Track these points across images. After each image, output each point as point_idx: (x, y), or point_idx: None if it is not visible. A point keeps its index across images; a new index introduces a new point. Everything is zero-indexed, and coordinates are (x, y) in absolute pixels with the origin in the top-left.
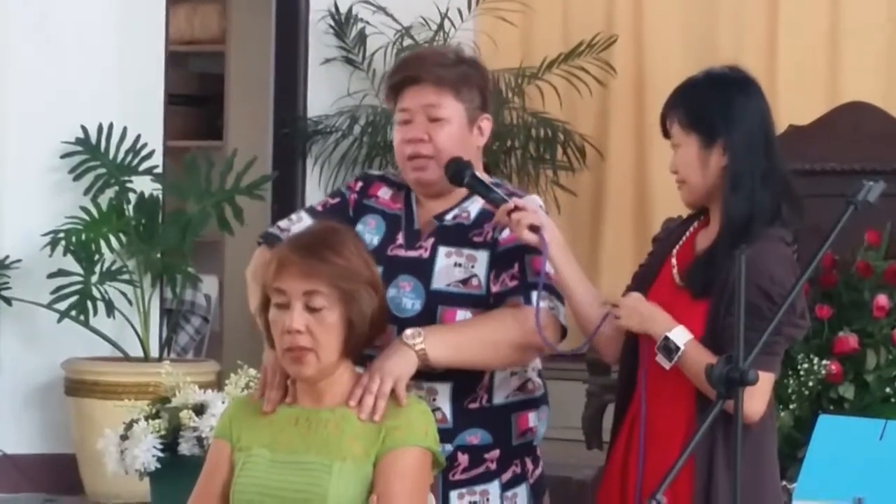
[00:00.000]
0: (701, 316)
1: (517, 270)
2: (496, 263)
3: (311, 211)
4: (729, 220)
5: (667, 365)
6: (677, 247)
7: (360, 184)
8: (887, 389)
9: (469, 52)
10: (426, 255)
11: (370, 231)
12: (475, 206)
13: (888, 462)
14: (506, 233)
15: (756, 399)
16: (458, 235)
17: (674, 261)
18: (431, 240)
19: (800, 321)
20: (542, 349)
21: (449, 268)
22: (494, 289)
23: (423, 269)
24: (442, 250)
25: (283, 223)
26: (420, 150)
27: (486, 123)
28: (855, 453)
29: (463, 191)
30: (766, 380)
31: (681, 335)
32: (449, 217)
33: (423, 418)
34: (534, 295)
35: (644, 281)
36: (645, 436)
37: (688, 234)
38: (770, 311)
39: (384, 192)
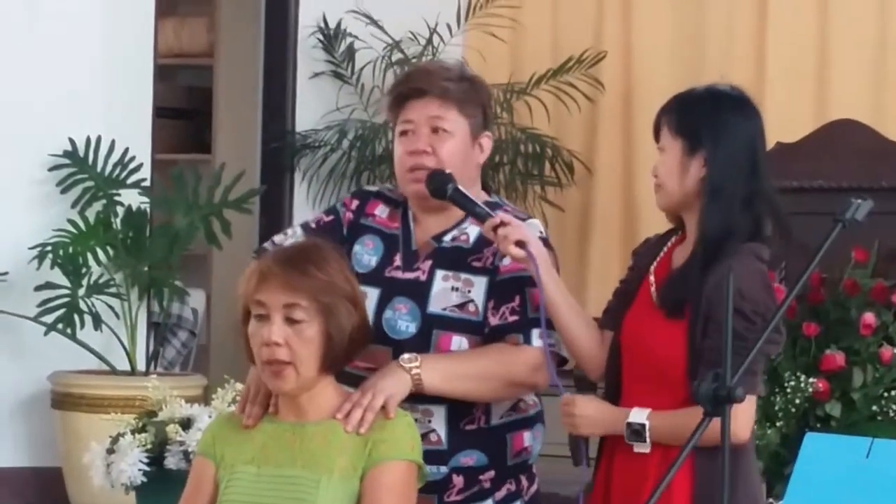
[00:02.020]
0: (679, 336)
1: (518, 304)
2: (495, 292)
3: (306, 227)
4: (704, 233)
5: (646, 448)
6: (655, 263)
7: (356, 202)
8: (874, 407)
9: (470, 71)
10: (423, 277)
11: (368, 252)
12: (474, 228)
13: (875, 480)
14: (507, 260)
15: (741, 420)
16: (456, 259)
17: (651, 278)
18: (429, 262)
19: (776, 335)
20: (534, 388)
21: (446, 291)
22: (493, 321)
23: (419, 292)
24: (439, 273)
25: (277, 238)
26: (423, 162)
27: (487, 141)
28: (841, 471)
29: (461, 211)
30: (749, 401)
31: (638, 415)
32: (447, 238)
33: (408, 431)
34: (534, 334)
35: (624, 298)
36: (625, 454)
37: (665, 249)
38: (747, 329)
39: (381, 211)
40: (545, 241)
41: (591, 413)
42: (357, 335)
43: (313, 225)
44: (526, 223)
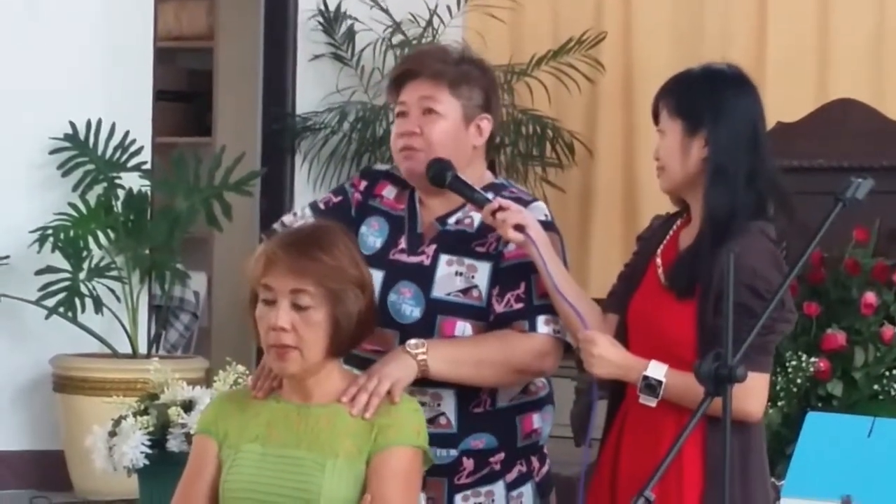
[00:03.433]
0: (689, 316)
1: (523, 291)
2: (500, 278)
3: (315, 208)
4: (709, 213)
5: (653, 402)
6: (661, 246)
7: (364, 182)
8: (875, 387)
9: (475, 54)
10: (427, 262)
11: (374, 233)
12: (478, 213)
13: (876, 459)
14: (511, 246)
15: (754, 398)
16: (460, 244)
17: (658, 260)
18: (433, 246)
19: (789, 315)
20: (540, 374)
21: (450, 276)
22: (499, 308)
23: (423, 277)
24: (443, 258)
25: (287, 218)
26: (412, 143)
27: (486, 123)
28: (843, 451)
29: None
30: (763, 380)
31: (657, 370)
32: (451, 221)
33: (414, 416)
34: (539, 320)
35: (630, 281)
36: (634, 432)
37: (671, 232)
38: (761, 308)
39: (389, 192)
40: (551, 225)
41: (611, 356)
42: (364, 320)
43: (322, 206)
44: (531, 206)
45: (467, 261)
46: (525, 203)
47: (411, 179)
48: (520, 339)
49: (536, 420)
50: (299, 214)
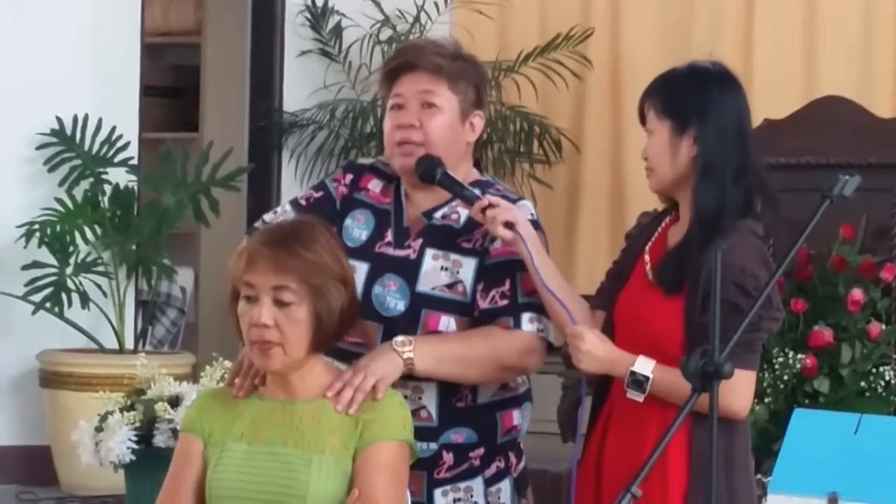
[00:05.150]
0: (676, 313)
1: (508, 289)
2: (485, 275)
3: (296, 204)
4: (698, 211)
5: (640, 398)
6: (650, 243)
7: (349, 176)
8: (862, 383)
9: (466, 50)
10: (413, 256)
11: (359, 226)
12: (465, 208)
13: (863, 456)
14: (497, 243)
15: (740, 396)
16: (446, 239)
17: (646, 257)
18: (420, 241)
19: (776, 313)
20: (524, 372)
21: (435, 271)
22: (483, 304)
23: (409, 270)
24: (429, 252)
25: (268, 216)
26: (410, 136)
27: (479, 120)
28: (830, 447)
29: None
30: (749, 377)
31: (644, 365)
32: (438, 215)
33: (399, 410)
34: (524, 318)
35: (618, 279)
36: (618, 429)
37: (660, 229)
38: (749, 305)
39: (374, 185)
40: (536, 224)
41: (598, 351)
42: (347, 314)
43: (303, 202)
44: (517, 205)
45: (453, 256)
46: (511, 201)
47: (405, 175)
48: (505, 337)
49: (516, 416)
50: (280, 212)
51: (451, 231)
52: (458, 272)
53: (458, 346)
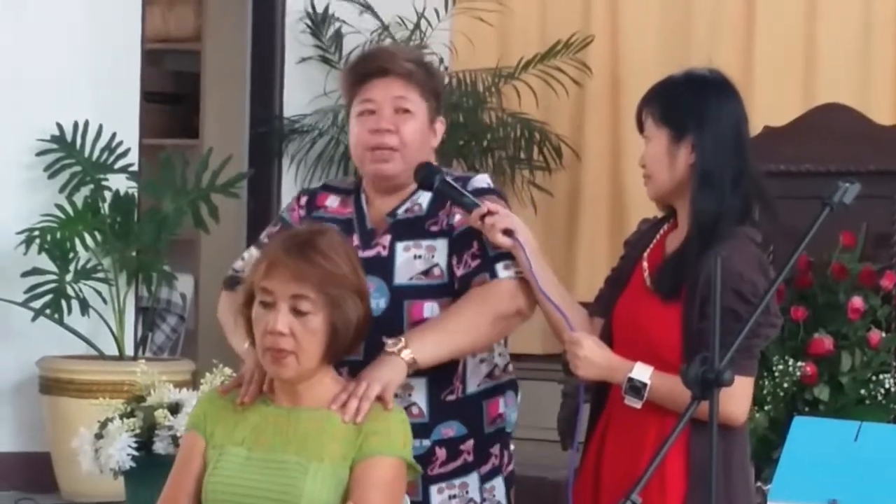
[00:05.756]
0: (674, 319)
1: (477, 249)
2: (455, 247)
3: (260, 245)
4: (696, 218)
5: (638, 404)
6: (648, 249)
7: (304, 198)
8: (862, 391)
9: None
10: (385, 252)
11: None
12: (425, 197)
13: (863, 464)
14: (457, 217)
15: (737, 402)
16: (413, 228)
17: (645, 264)
18: (388, 237)
19: (775, 319)
20: (520, 314)
21: (409, 261)
22: (460, 272)
23: (383, 267)
24: (400, 245)
25: (237, 265)
26: (386, 142)
27: (441, 126)
28: (830, 455)
29: (412, 185)
30: (747, 383)
31: (642, 372)
32: (401, 211)
33: (402, 427)
34: (498, 267)
35: (616, 285)
36: (617, 435)
37: (658, 236)
38: (747, 312)
39: (332, 201)
40: (493, 190)
41: (596, 358)
42: (362, 326)
43: (265, 241)
44: (474, 178)
45: (425, 242)
46: (467, 179)
47: (377, 181)
48: (487, 289)
49: (501, 404)
50: (247, 258)
51: (416, 220)
52: (432, 256)
53: (448, 321)
